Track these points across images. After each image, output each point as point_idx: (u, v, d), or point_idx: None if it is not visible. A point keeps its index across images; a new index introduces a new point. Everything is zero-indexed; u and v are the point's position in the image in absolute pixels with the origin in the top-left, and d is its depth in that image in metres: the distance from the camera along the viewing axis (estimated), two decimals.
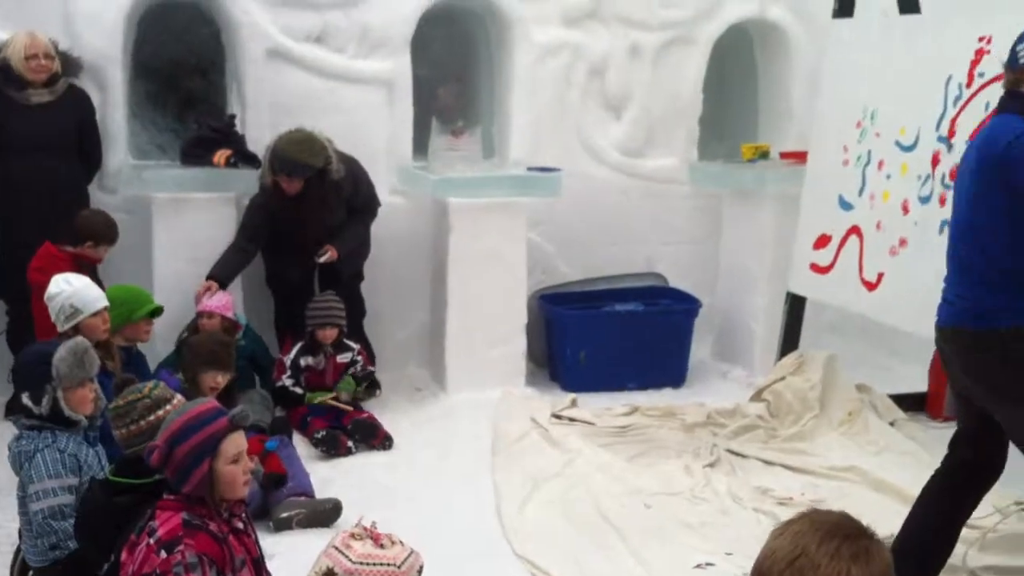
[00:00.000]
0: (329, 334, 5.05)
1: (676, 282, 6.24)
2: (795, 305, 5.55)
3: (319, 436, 4.74)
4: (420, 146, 5.86)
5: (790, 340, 5.56)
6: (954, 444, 3.40)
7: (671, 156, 6.37)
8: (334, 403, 4.97)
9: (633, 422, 5.12)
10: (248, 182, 5.30)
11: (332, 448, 4.70)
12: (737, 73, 6.86)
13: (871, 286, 4.87)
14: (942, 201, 4.41)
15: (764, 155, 6.12)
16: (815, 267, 5.31)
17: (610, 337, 5.74)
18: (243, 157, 5.36)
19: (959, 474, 3.35)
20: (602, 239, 6.30)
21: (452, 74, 6.49)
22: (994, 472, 3.33)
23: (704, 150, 6.54)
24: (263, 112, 5.59)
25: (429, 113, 5.95)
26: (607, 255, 6.29)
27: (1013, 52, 3.16)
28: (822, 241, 5.25)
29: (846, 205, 5.10)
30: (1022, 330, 3.04)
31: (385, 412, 5.21)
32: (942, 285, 3.31)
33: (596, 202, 6.21)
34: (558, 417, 5.08)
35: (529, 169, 5.81)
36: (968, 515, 3.37)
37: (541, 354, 5.96)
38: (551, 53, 6.04)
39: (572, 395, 5.44)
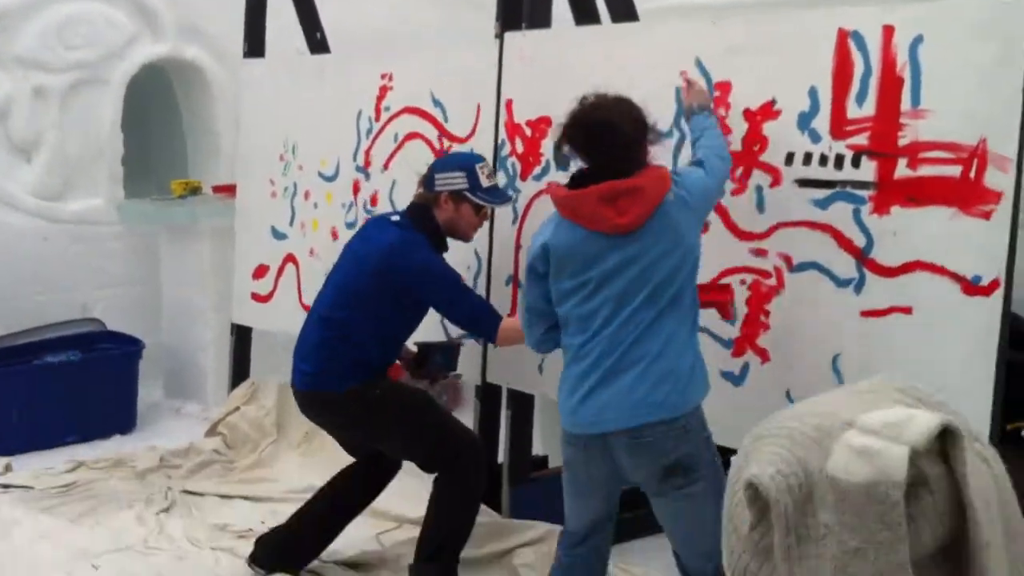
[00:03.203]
0: None
1: (117, 326, 5.73)
2: (241, 335, 5.34)
3: None
4: None
5: (240, 370, 5.34)
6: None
7: (95, 197, 5.87)
8: None
9: (78, 478, 4.58)
10: None
11: None
12: (160, 111, 6.52)
13: (308, 309, 4.82)
14: None
15: (195, 191, 5.85)
16: (256, 296, 5.15)
17: (45, 391, 5.10)
18: None
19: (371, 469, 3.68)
20: (27, 290, 5.62)
21: None
22: (394, 469, 3.68)
23: (133, 189, 6.11)
24: None
25: None
26: (35, 306, 5.61)
27: (432, 176, 3.49)
28: (260, 271, 5.11)
29: (279, 235, 5.00)
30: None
31: None
32: None
33: (15, 251, 5.54)
34: None
35: None
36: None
37: None
38: None
39: (6, 459, 4.73)
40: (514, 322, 3.35)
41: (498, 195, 3.58)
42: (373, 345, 3.46)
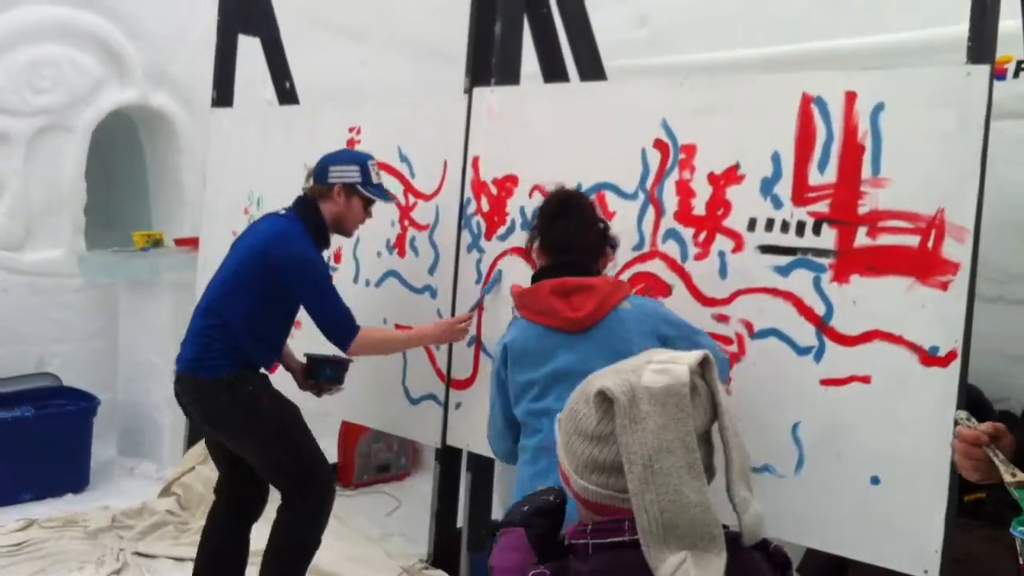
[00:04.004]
0: None
1: (73, 381, 5.72)
2: None
3: None
4: None
5: (196, 429, 5.32)
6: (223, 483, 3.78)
7: (56, 248, 5.87)
8: None
9: (29, 537, 4.56)
10: None
11: None
12: (125, 160, 6.56)
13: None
14: None
15: (157, 243, 5.88)
16: None
17: None
18: None
19: (239, 506, 3.74)
20: None
21: None
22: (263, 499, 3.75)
23: (95, 240, 6.12)
24: None
25: None
26: None
27: (325, 169, 3.69)
28: None
29: None
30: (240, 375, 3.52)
31: None
32: None
33: None
34: None
35: None
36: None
37: None
38: None
39: None
40: (371, 333, 3.57)
41: (385, 193, 3.79)
42: (248, 336, 3.52)
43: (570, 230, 2.83)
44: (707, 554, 1.36)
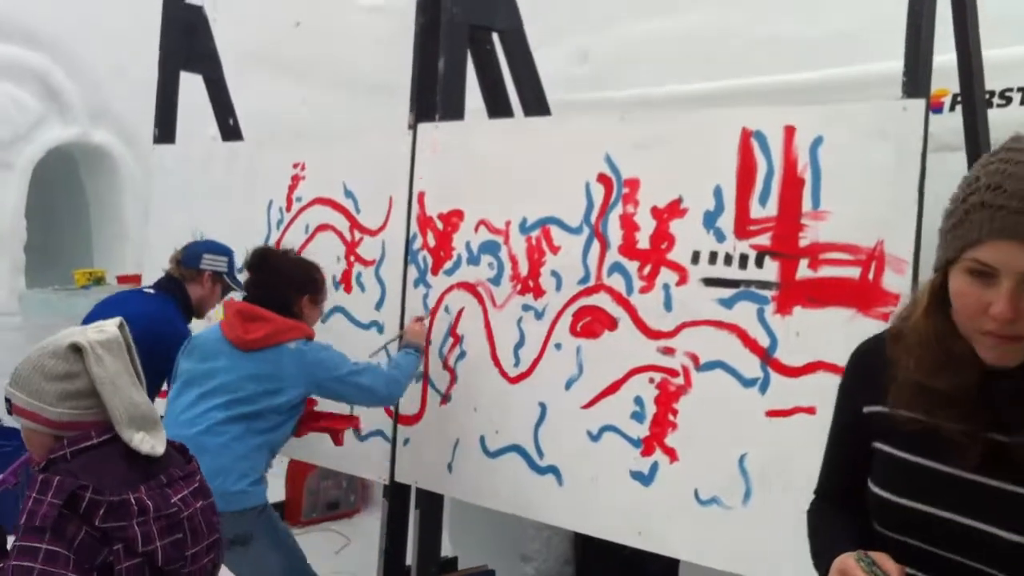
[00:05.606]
0: None
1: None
2: None
3: None
4: None
5: None
6: None
7: None
8: None
9: None
10: None
11: None
12: (66, 197, 6.44)
13: None
14: None
15: (99, 280, 5.76)
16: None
17: None
18: None
19: None
20: None
21: None
22: None
23: (35, 278, 6.00)
24: None
25: None
26: None
27: (198, 256, 4.09)
28: None
29: None
30: None
31: None
32: None
33: None
34: None
35: None
36: None
37: None
38: None
39: None
40: None
41: (242, 284, 4.13)
42: None
43: (262, 277, 3.51)
44: (153, 431, 2.03)
